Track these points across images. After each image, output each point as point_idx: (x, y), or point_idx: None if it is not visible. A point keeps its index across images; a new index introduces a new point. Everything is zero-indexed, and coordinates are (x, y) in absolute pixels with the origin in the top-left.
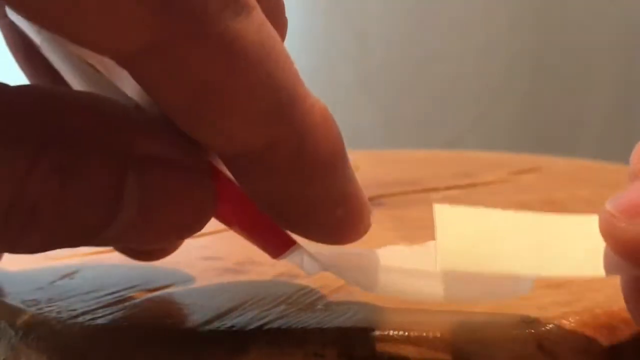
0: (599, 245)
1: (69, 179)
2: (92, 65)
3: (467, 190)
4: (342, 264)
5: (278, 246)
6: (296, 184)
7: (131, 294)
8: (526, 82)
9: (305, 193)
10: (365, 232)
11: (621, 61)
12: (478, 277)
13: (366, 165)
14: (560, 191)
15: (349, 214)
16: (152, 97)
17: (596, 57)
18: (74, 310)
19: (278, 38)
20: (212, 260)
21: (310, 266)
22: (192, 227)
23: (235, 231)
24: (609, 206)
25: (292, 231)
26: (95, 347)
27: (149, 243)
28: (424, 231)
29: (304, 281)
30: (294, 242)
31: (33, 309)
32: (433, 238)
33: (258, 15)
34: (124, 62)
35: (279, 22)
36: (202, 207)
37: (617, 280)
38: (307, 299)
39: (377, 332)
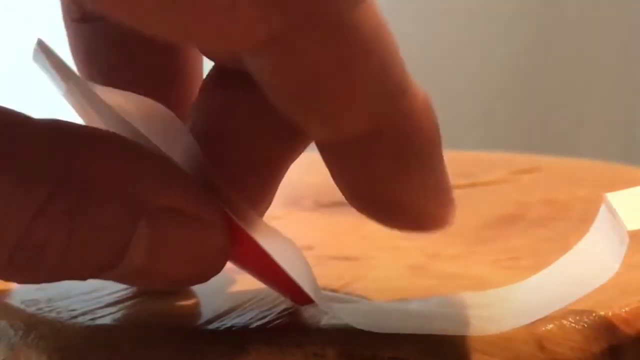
0: None
1: (78, 225)
2: (116, 112)
3: (467, 190)
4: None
5: (297, 296)
6: (395, 172)
7: (131, 294)
8: (526, 82)
9: (402, 181)
10: (445, 225)
11: (621, 61)
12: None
13: None
14: (560, 191)
15: (439, 206)
16: (262, 87)
17: (596, 57)
18: (74, 310)
19: (388, 25)
20: None
21: (345, 314)
22: (202, 277)
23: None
24: None
25: (377, 219)
26: (95, 347)
27: (154, 288)
28: None
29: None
30: (310, 301)
31: (33, 309)
32: (433, 238)
33: (372, 2)
34: (238, 57)
35: None
36: (213, 262)
37: (617, 280)
38: None
39: (377, 332)
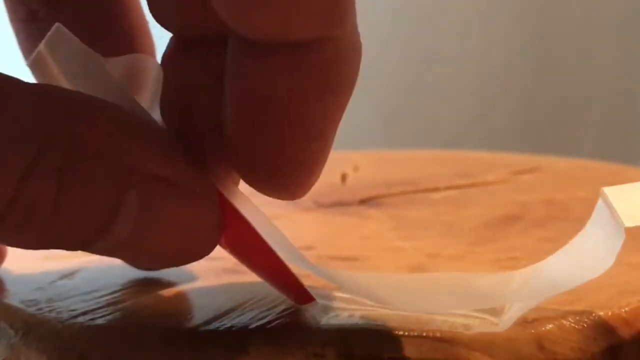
0: None
1: (67, 183)
2: (111, 75)
3: (467, 190)
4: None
5: (295, 292)
6: (315, 91)
7: (131, 294)
8: (526, 82)
9: (310, 106)
10: (310, 187)
11: (621, 61)
12: None
13: (366, 165)
14: (560, 191)
15: (320, 153)
16: None
17: (596, 57)
18: (74, 310)
19: None
20: (212, 260)
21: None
22: (190, 254)
23: (249, 268)
24: None
25: (256, 152)
26: (95, 347)
27: (143, 264)
28: (424, 231)
29: (303, 281)
30: (311, 298)
31: (33, 309)
32: (433, 238)
33: None
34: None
35: None
36: (203, 237)
37: (616, 280)
38: None
39: (377, 332)
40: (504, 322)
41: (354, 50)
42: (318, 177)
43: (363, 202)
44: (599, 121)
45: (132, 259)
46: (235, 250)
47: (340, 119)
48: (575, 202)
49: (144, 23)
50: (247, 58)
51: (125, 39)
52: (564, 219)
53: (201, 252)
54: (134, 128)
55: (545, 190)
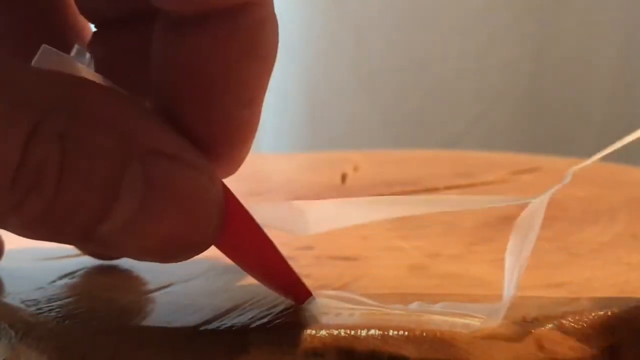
0: None
1: (71, 149)
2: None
3: (467, 190)
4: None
5: (294, 290)
6: (243, 58)
7: (131, 294)
8: (526, 82)
9: (240, 73)
10: (244, 159)
11: (621, 61)
12: None
13: (366, 165)
14: (560, 191)
15: (251, 120)
16: None
17: (596, 57)
18: (74, 310)
19: None
20: (212, 260)
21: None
22: (195, 240)
23: (247, 271)
24: None
25: (190, 124)
26: (95, 347)
27: (147, 253)
28: (424, 230)
29: (304, 281)
30: (309, 294)
31: (33, 309)
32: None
33: None
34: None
35: None
36: (208, 216)
37: (616, 280)
38: None
39: (377, 332)
40: (496, 315)
41: (273, 15)
42: (250, 148)
43: None
44: (599, 121)
45: (136, 247)
46: (234, 248)
47: (267, 85)
48: (575, 202)
49: (81, 18)
50: (175, 34)
51: (66, 35)
52: (563, 219)
53: (205, 237)
54: (131, 104)
55: (545, 190)
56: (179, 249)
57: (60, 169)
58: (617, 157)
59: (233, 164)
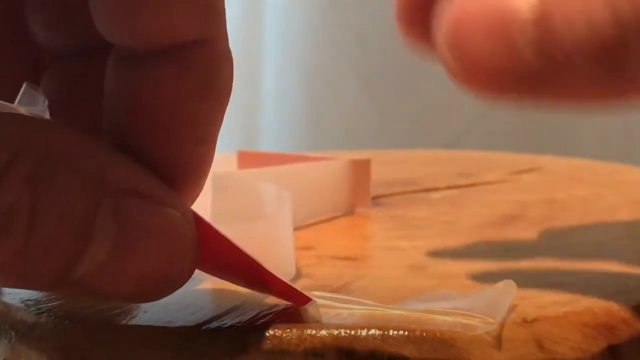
0: None
1: (41, 192)
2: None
3: (467, 190)
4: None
5: (289, 297)
6: (197, 94)
7: None
8: None
9: (194, 110)
10: (200, 191)
11: None
12: None
13: None
14: (560, 191)
15: (206, 157)
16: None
17: None
18: (74, 310)
19: None
20: None
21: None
22: (170, 277)
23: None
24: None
25: (141, 155)
26: (95, 347)
27: (122, 294)
28: (424, 230)
29: (304, 281)
30: (307, 299)
31: (33, 309)
32: (433, 238)
33: None
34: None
35: None
36: (182, 252)
37: (616, 280)
38: None
39: (377, 332)
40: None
41: (228, 52)
42: (203, 185)
43: None
44: (599, 121)
45: (112, 289)
46: (216, 269)
47: (221, 121)
48: (575, 202)
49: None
50: (128, 70)
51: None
52: (564, 219)
53: (181, 273)
54: (97, 143)
55: (545, 190)
56: (155, 286)
57: (31, 213)
58: (617, 157)
59: (188, 197)
